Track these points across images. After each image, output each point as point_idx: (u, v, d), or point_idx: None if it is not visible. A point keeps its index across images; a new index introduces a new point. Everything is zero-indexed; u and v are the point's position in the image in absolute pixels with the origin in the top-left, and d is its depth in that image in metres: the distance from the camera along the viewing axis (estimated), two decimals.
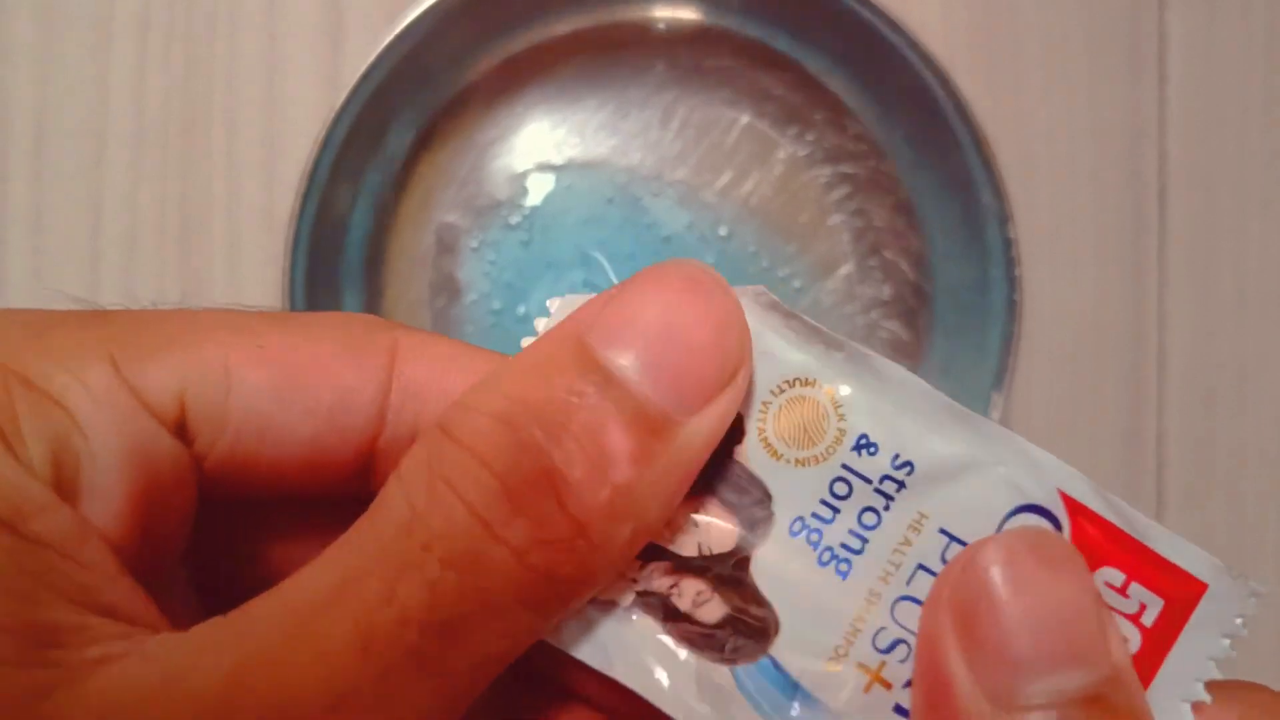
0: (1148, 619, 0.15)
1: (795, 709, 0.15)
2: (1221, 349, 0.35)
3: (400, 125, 0.32)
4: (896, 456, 0.15)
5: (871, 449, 0.15)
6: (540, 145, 0.33)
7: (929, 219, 0.34)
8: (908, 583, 0.15)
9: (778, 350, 0.15)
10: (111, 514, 0.13)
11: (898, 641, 0.15)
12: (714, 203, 0.34)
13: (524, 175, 0.33)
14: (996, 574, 0.13)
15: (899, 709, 0.15)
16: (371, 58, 0.30)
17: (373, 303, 0.33)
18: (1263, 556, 0.35)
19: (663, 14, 0.33)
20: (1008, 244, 0.32)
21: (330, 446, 0.15)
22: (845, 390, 0.15)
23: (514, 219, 0.33)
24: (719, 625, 0.15)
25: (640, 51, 0.33)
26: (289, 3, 0.34)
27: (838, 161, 0.34)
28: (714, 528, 0.15)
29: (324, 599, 0.12)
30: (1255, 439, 0.35)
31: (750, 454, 0.15)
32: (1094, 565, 0.15)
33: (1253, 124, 0.35)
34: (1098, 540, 0.15)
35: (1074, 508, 0.15)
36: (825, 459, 0.15)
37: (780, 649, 0.15)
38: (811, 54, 0.33)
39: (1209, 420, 0.35)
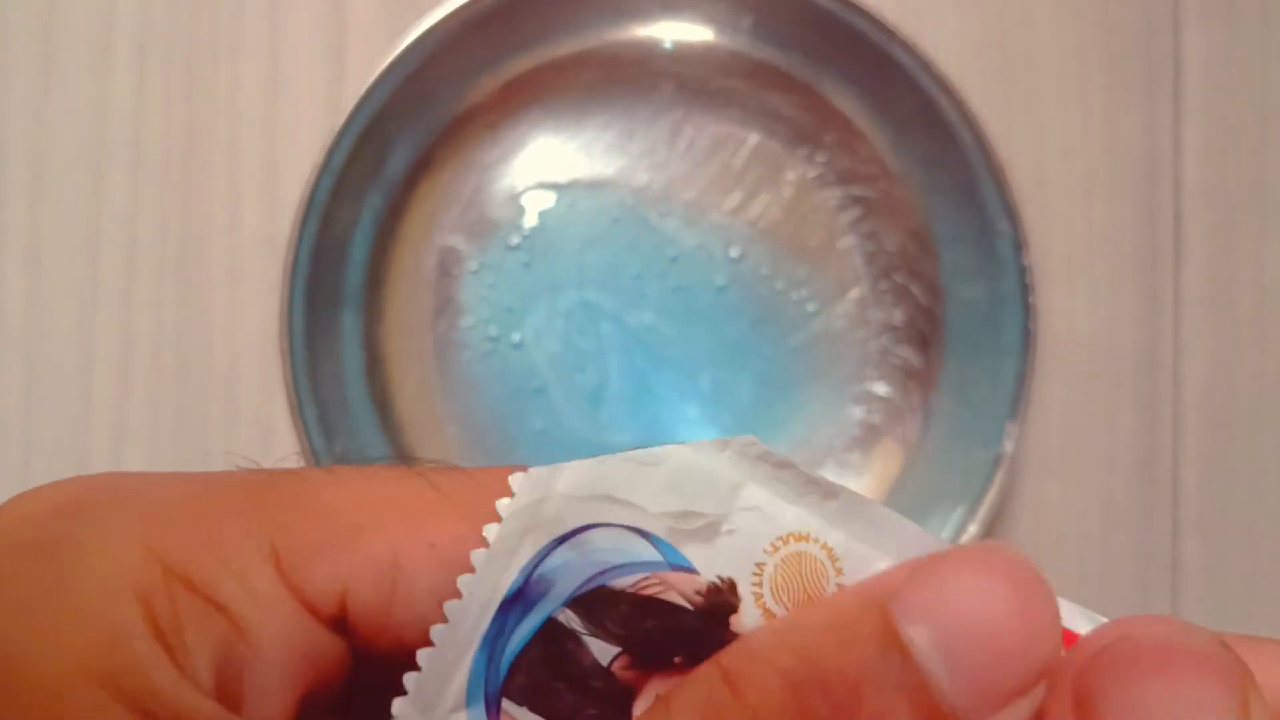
0: None
1: None
2: (1238, 374, 0.34)
3: (401, 147, 0.32)
4: None
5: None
6: (544, 166, 0.33)
7: (942, 243, 0.33)
8: None
9: (769, 505, 0.14)
10: (274, 715, 0.13)
11: None
12: (723, 224, 0.33)
13: (527, 196, 0.33)
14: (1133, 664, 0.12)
15: None
16: (373, 78, 0.30)
17: (372, 327, 0.32)
18: (1277, 582, 0.34)
19: (670, 34, 0.33)
20: (1023, 270, 0.31)
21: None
22: (840, 540, 0.14)
23: (514, 240, 0.33)
24: None
25: (647, 71, 0.33)
26: (290, 25, 0.33)
27: (849, 183, 0.33)
28: None
29: None
30: (1272, 465, 0.34)
31: (747, 623, 0.14)
32: None
33: (1270, 145, 0.35)
34: None
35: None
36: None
37: None
38: (823, 75, 0.33)
39: (1225, 446, 0.34)
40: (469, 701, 0.15)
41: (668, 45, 0.33)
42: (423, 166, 0.32)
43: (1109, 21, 0.35)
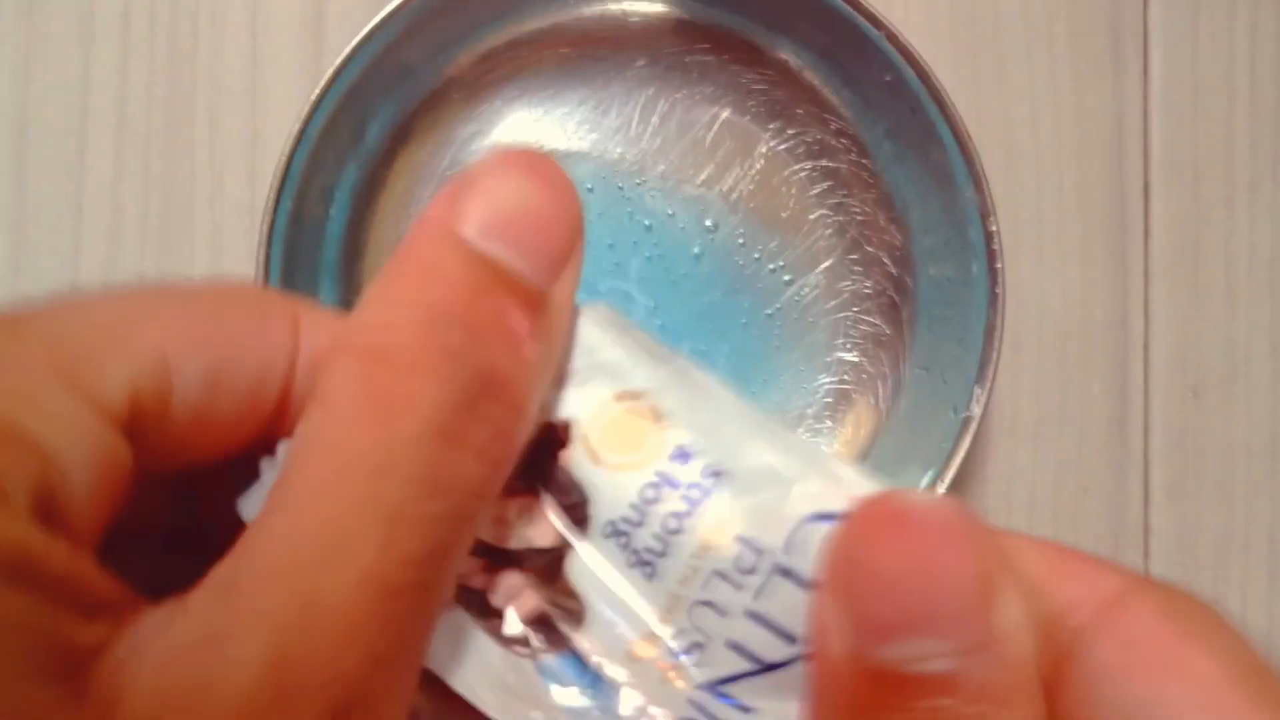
0: None
1: (595, 698, 0.15)
2: (1207, 341, 0.35)
3: (378, 119, 0.32)
4: (707, 466, 0.15)
5: (685, 458, 0.16)
6: (520, 139, 0.33)
7: (911, 213, 0.33)
8: (704, 587, 0.15)
9: (611, 364, 0.16)
10: (87, 525, 0.13)
11: (694, 645, 0.15)
12: (696, 196, 0.34)
13: None
14: (869, 528, 0.13)
15: (693, 703, 0.15)
16: (348, 49, 0.30)
17: (351, 298, 0.33)
18: (1249, 549, 0.35)
19: (640, 7, 0.33)
20: (989, 237, 0.32)
21: (248, 418, 0.15)
22: (668, 402, 0.16)
23: None
24: (529, 620, 0.16)
25: (620, 46, 0.33)
26: None
27: (819, 156, 0.34)
28: (536, 526, 0.16)
29: (318, 557, 0.13)
30: (1242, 431, 0.35)
31: (574, 459, 0.16)
32: None
33: (1237, 116, 0.35)
34: None
35: None
36: (642, 465, 0.16)
37: (583, 642, 0.16)
38: (792, 49, 0.33)
39: (1196, 413, 0.35)
40: None
41: (639, 19, 0.33)
42: (400, 139, 0.33)
43: None
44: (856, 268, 0.34)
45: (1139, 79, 0.35)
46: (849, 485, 0.15)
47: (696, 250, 0.33)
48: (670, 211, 0.34)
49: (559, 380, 0.16)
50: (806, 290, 0.34)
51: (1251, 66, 0.35)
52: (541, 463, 0.16)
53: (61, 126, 0.34)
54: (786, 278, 0.34)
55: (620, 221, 0.33)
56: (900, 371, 0.33)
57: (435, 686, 0.15)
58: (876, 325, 0.34)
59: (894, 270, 0.34)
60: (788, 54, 0.34)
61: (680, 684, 0.15)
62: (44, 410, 0.13)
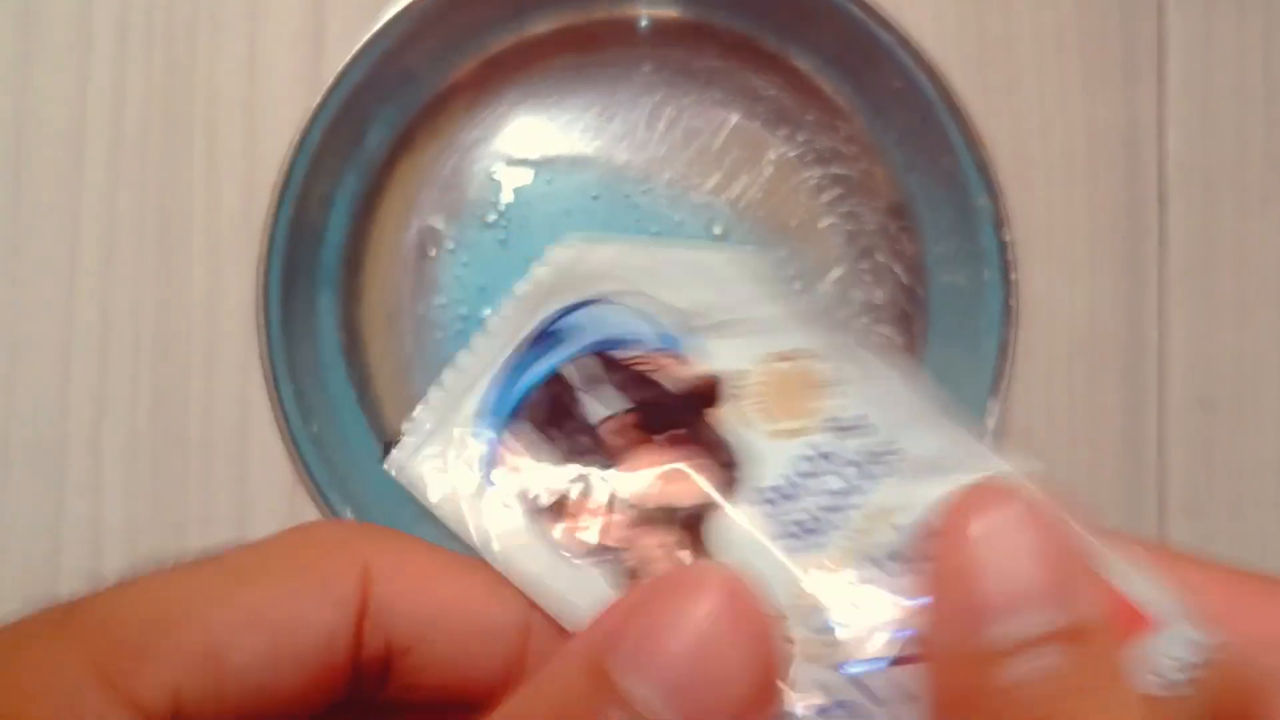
0: None
1: None
2: (1222, 353, 0.34)
3: (379, 126, 0.32)
4: (867, 444, 0.15)
5: (846, 433, 0.15)
6: (524, 146, 0.33)
7: (923, 222, 0.33)
8: (855, 569, 0.15)
9: (767, 320, 0.16)
10: None
11: (831, 625, 0.15)
12: (704, 203, 0.33)
13: (506, 176, 0.33)
14: (962, 523, 0.13)
15: (822, 686, 0.14)
16: (349, 56, 0.30)
17: (350, 307, 0.32)
18: (1265, 563, 0.34)
19: (647, 12, 0.33)
20: (1003, 247, 0.31)
21: (316, 680, 0.15)
22: (829, 370, 0.15)
23: (490, 217, 0.33)
24: None
25: (627, 51, 0.33)
26: (270, 4, 0.33)
27: (829, 163, 0.33)
28: (679, 483, 0.15)
29: None
30: (1256, 444, 0.34)
31: (725, 418, 0.15)
32: None
33: (1252, 124, 0.35)
34: None
35: None
36: (802, 434, 0.15)
37: None
38: (802, 54, 0.33)
39: (1210, 426, 0.34)
40: (476, 421, 0.16)
41: (646, 24, 0.33)
42: (401, 146, 0.32)
43: (1088, 0, 0.35)
44: (868, 277, 0.33)
45: (1153, 88, 0.35)
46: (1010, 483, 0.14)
47: None
48: (678, 219, 0.33)
49: (710, 330, 0.16)
50: (817, 299, 0.33)
51: (1265, 76, 0.35)
52: (689, 418, 0.15)
53: (57, 137, 0.33)
54: (797, 286, 0.33)
55: (627, 229, 0.33)
56: None
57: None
58: (888, 336, 0.33)
59: (906, 280, 0.33)
60: (798, 59, 0.33)
61: (813, 664, 0.15)
62: (82, 713, 0.13)
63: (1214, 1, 0.35)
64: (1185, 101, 0.35)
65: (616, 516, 0.15)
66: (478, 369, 0.17)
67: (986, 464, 0.15)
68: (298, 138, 0.29)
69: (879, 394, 0.15)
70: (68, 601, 0.15)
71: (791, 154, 0.33)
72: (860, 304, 0.33)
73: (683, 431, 0.15)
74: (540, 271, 0.17)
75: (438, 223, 0.33)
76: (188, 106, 0.33)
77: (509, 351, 0.16)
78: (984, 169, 0.31)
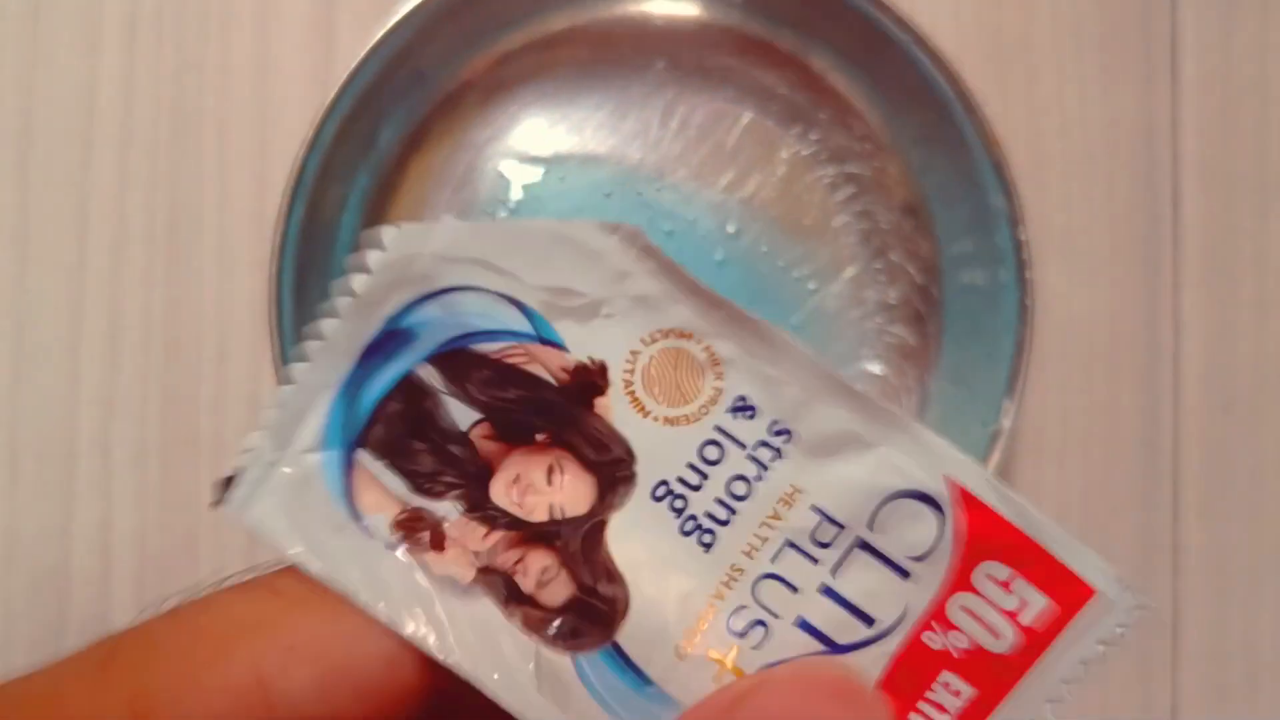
0: (1025, 617, 0.14)
1: (641, 703, 0.14)
2: (1238, 353, 0.34)
3: (391, 125, 0.32)
4: (775, 423, 0.14)
5: (749, 412, 0.14)
6: (537, 144, 0.33)
7: (938, 221, 0.33)
8: (773, 559, 0.14)
9: (653, 297, 0.14)
10: None
11: (756, 623, 0.14)
12: (718, 201, 0.33)
13: (518, 173, 0.33)
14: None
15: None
16: (360, 55, 0.29)
17: None
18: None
19: (661, 9, 0.32)
20: (1019, 246, 0.31)
21: (384, 710, 0.14)
22: (726, 348, 0.14)
23: (501, 215, 0.32)
24: (563, 608, 0.14)
25: (639, 49, 0.33)
26: (280, 3, 0.33)
27: (843, 161, 0.33)
28: (568, 487, 0.14)
29: None
30: (1273, 446, 0.34)
31: (614, 407, 0.14)
32: (978, 558, 0.14)
33: (1268, 123, 0.34)
34: (984, 532, 0.14)
35: (963, 498, 0.14)
36: (698, 419, 0.14)
37: (627, 635, 0.14)
38: (816, 51, 0.33)
39: (1226, 426, 0.34)
40: (325, 444, 0.14)
41: (659, 21, 0.32)
42: (413, 145, 0.32)
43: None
44: (881, 276, 0.33)
45: (1168, 87, 0.34)
46: (941, 459, 0.14)
47: (720, 257, 0.33)
48: (692, 217, 0.33)
49: (584, 311, 0.14)
50: (831, 299, 0.33)
51: None
52: (574, 412, 0.14)
53: (66, 135, 0.33)
54: (811, 285, 0.33)
55: (640, 228, 0.33)
56: (926, 384, 0.33)
57: (462, 685, 0.14)
58: (901, 336, 0.33)
59: (920, 279, 0.33)
60: (812, 57, 0.33)
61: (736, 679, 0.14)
62: None
63: (1230, 1, 0.35)
64: (1201, 99, 0.34)
65: (501, 534, 0.14)
66: (314, 385, 0.15)
67: (917, 438, 0.14)
68: (310, 136, 0.29)
69: (782, 369, 0.14)
70: (113, 637, 0.14)
71: (805, 152, 0.33)
72: (874, 303, 0.33)
73: (566, 427, 0.14)
74: (374, 260, 0.14)
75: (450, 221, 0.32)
76: (198, 105, 0.33)
77: (352, 359, 0.14)
78: (1000, 168, 0.31)
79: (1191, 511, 0.34)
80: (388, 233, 0.14)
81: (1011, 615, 0.14)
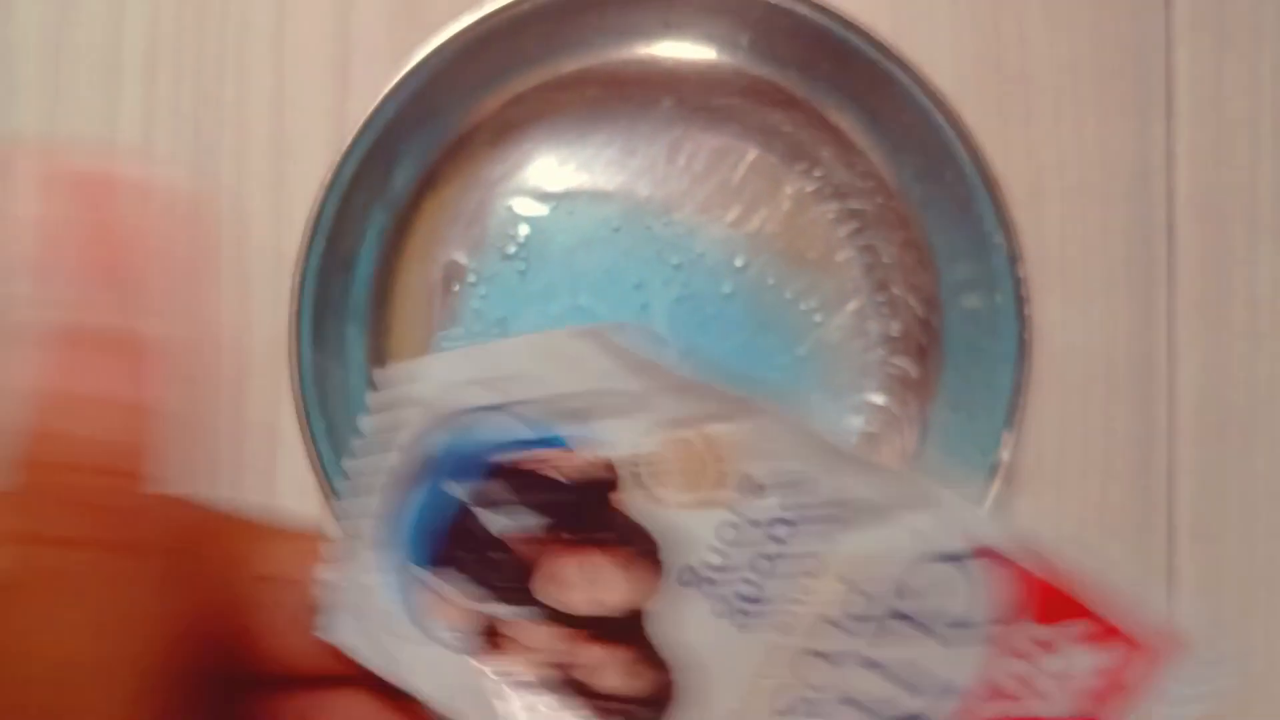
0: (1077, 678, 0.14)
1: None
2: (1232, 383, 0.35)
3: (406, 164, 0.32)
4: (786, 498, 0.14)
5: (758, 491, 0.14)
6: (547, 181, 0.33)
7: (938, 255, 0.33)
8: (809, 635, 0.14)
9: (640, 392, 0.14)
10: None
11: (800, 700, 0.14)
12: (724, 236, 0.34)
13: (529, 209, 0.33)
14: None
15: None
16: (378, 98, 0.30)
17: (378, 341, 0.33)
18: (1275, 590, 0.35)
19: (670, 52, 0.33)
20: (1018, 282, 0.32)
21: None
22: (721, 430, 0.14)
23: (510, 249, 0.33)
24: (617, 696, 0.14)
25: (647, 88, 0.33)
26: (297, 43, 0.34)
27: (846, 197, 0.34)
28: (603, 581, 0.14)
29: None
30: (1267, 473, 0.35)
31: (630, 502, 0.14)
32: (1019, 619, 0.14)
33: (1261, 157, 0.35)
34: (1022, 591, 0.14)
35: (990, 558, 0.14)
36: (709, 503, 0.14)
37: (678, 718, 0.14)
38: (819, 91, 0.33)
39: (1221, 455, 0.35)
40: (379, 567, 0.15)
41: (667, 63, 0.33)
42: (428, 183, 0.33)
43: (1101, 36, 0.35)
44: (884, 309, 0.34)
45: (1163, 121, 0.35)
46: (963, 521, 0.14)
47: (728, 289, 0.33)
48: (699, 250, 0.33)
49: (581, 413, 0.15)
50: (835, 331, 0.34)
51: (1275, 108, 0.35)
52: (594, 510, 0.14)
53: None
54: (817, 318, 0.34)
55: (648, 261, 0.33)
56: (926, 414, 0.33)
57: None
58: (903, 368, 0.34)
59: (921, 312, 0.34)
60: (814, 96, 0.33)
61: None
62: None
63: (1224, 35, 0.35)
64: (1195, 133, 0.35)
65: (550, 630, 0.14)
66: (360, 512, 0.16)
67: (933, 499, 0.14)
68: (328, 178, 0.30)
69: (781, 443, 0.14)
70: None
71: (809, 188, 0.34)
72: (877, 335, 0.34)
73: (589, 524, 0.14)
74: (384, 399, 0.15)
75: (463, 258, 0.33)
76: (215, 140, 0.34)
77: (386, 488, 0.15)
78: (998, 204, 0.32)
79: (1187, 537, 0.35)
80: (391, 372, 0.16)
81: (1063, 677, 0.14)
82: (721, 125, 0.34)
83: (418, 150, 0.32)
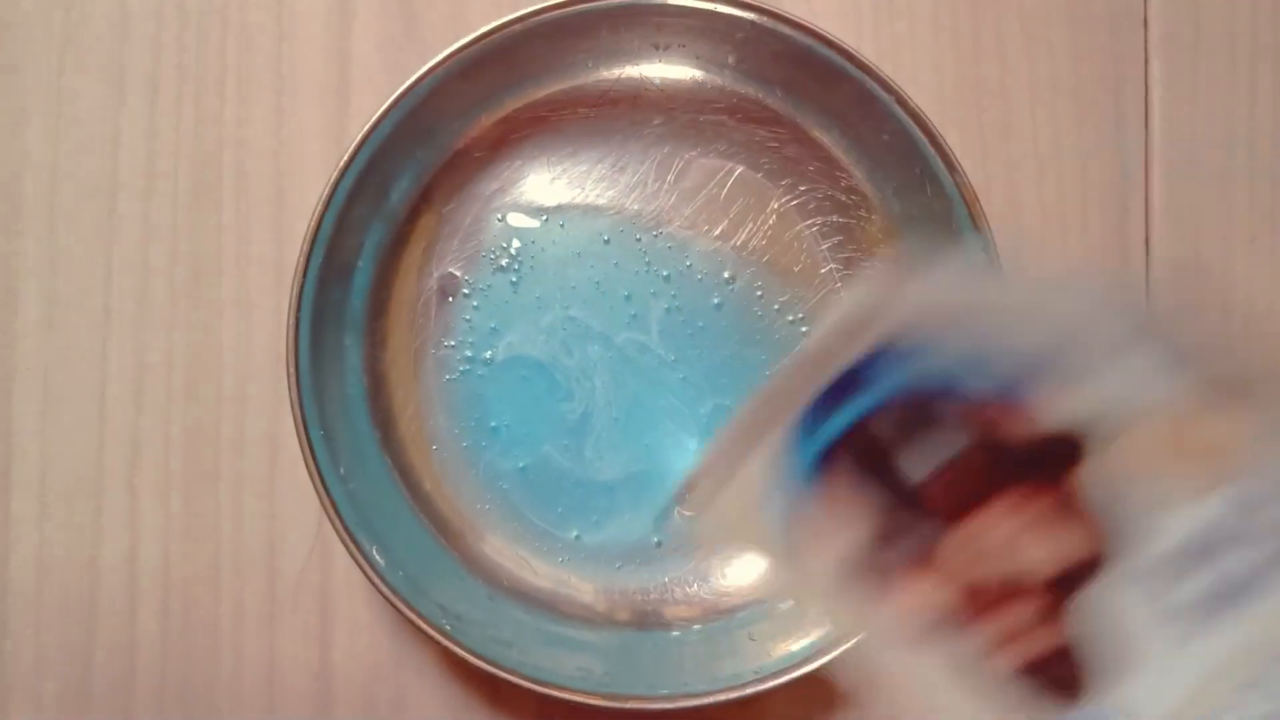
0: None
1: None
2: None
3: (403, 180, 0.33)
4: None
5: (1257, 498, 0.12)
6: (540, 196, 0.34)
7: (919, 271, 0.34)
8: (1266, 668, 0.12)
9: (1145, 362, 0.12)
10: None
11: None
12: (712, 249, 0.34)
13: (521, 223, 0.34)
14: None
15: None
16: (375, 116, 0.31)
17: (374, 352, 0.34)
18: None
19: (658, 73, 0.34)
20: None
21: None
22: (1230, 430, 0.12)
23: (503, 261, 0.34)
24: (1030, 669, 0.12)
25: (637, 107, 0.34)
26: (296, 63, 0.35)
27: (829, 212, 0.35)
28: (1044, 546, 0.13)
29: None
30: None
31: (1098, 474, 0.12)
32: None
33: (1236, 170, 0.36)
34: None
35: None
36: (1204, 493, 0.12)
37: (1094, 703, 0.12)
38: (803, 109, 0.34)
39: None
40: (778, 470, 0.13)
41: (656, 83, 0.34)
42: (424, 198, 0.34)
43: (1079, 52, 0.36)
44: None
45: (1140, 134, 0.36)
46: None
47: (716, 301, 0.34)
48: (688, 263, 0.34)
49: (1062, 375, 0.13)
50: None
51: (1250, 121, 0.36)
52: (1042, 473, 0.13)
53: (91, 187, 0.34)
54: (804, 329, 0.35)
55: (638, 273, 0.34)
56: None
57: None
58: None
59: None
60: (798, 114, 0.34)
61: None
62: None
63: (1200, 49, 0.36)
64: (1171, 146, 0.36)
65: (953, 581, 0.13)
66: (773, 411, 0.14)
67: None
68: (327, 194, 0.31)
69: None
70: None
71: (794, 203, 0.35)
72: None
73: (1033, 487, 0.13)
74: (850, 300, 0.14)
75: (456, 270, 0.34)
76: (217, 159, 0.35)
77: (808, 396, 0.14)
78: (977, 221, 0.32)
79: None
80: (866, 278, 0.14)
81: None
82: (709, 143, 0.35)
83: (414, 166, 0.33)
